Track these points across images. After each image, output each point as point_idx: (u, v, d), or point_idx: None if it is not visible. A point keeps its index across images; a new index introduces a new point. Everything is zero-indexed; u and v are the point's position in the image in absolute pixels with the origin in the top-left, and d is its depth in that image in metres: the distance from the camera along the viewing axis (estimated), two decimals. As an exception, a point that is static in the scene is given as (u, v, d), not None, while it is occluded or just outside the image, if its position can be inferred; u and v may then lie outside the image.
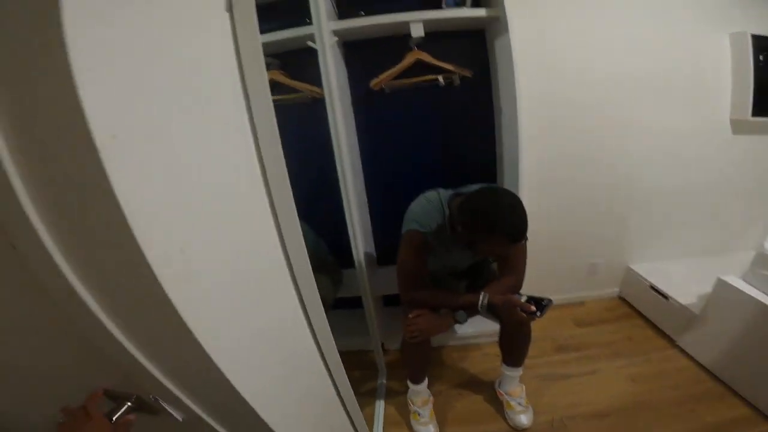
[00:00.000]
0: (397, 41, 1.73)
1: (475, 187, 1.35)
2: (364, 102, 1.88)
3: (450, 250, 1.43)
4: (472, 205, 1.19)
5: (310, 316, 1.00)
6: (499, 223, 1.11)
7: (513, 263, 1.40)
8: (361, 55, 1.81)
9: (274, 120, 0.78)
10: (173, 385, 0.69)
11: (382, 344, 1.99)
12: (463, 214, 1.22)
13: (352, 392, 1.23)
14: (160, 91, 0.51)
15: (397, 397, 1.80)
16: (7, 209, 0.43)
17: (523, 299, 1.28)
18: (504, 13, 1.57)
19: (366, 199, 2.06)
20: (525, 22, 1.71)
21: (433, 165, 2.02)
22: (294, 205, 0.85)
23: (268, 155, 0.79)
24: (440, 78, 1.76)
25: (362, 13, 1.66)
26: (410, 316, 1.35)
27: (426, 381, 1.65)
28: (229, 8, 0.74)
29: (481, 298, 1.31)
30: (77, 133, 0.36)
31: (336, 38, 1.56)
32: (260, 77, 0.76)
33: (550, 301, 1.26)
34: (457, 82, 1.81)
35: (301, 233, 0.88)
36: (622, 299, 2.37)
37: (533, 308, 1.24)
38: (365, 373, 1.97)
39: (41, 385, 0.86)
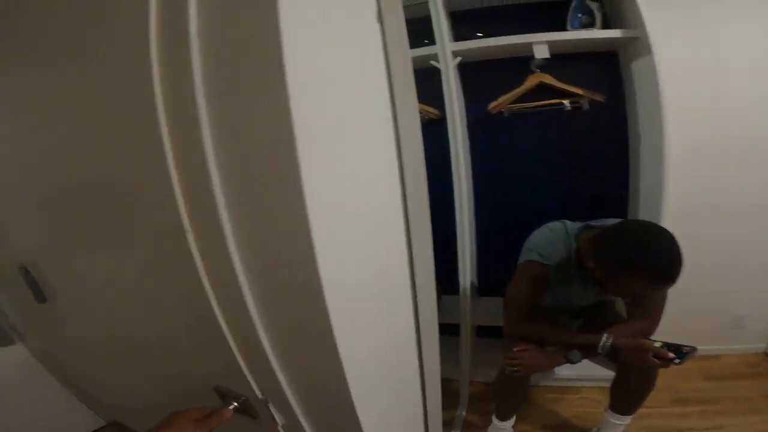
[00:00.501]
0: (516, 63, 1.66)
1: (612, 221, 1.23)
2: (480, 125, 1.83)
3: (571, 285, 1.31)
4: (614, 238, 1.09)
5: (422, 333, 0.96)
6: (650, 260, 1.00)
7: (649, 306, 1.25)
8: (478, 76, 1.77)
9: (420, 137, 0.76)
10: (290, 388, 0.69)
11: (468, 375, 1.86)
12: (600, 249, 1.13)
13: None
14: (339, 94, 0.52)
15: (474, 431, 1.71)
16: (200, 191, 0.46)
17: (657, 344, 1.16)
18: (645, 33, 1.41)
19: (474, 226, 1.98)
20: (668, 41, 1.52)
21: (553, 194, 1.87)
22: (429, 226, 0.82)
23: (410, 170, 0.77)
24: (566, 102, 1.64)
25: (479, 35, 1.64)
26: (516, 349, 1.26)
27: (513, 419, 1.54)
28: (380, 19, 0.76)
29: (604, 339, 1.19)
30: (280, 118, 0.37)
31: (459, 58, 1.55)
32: (409, 90, 0.76)
33: (693, 348, 1.13)
34: (585, 106, 1.67)
35: (432, 259, 0.84)
36: (771, 357, 1.96)
37: (671, 355, 1.12)
38: (444, 401, 1.86)
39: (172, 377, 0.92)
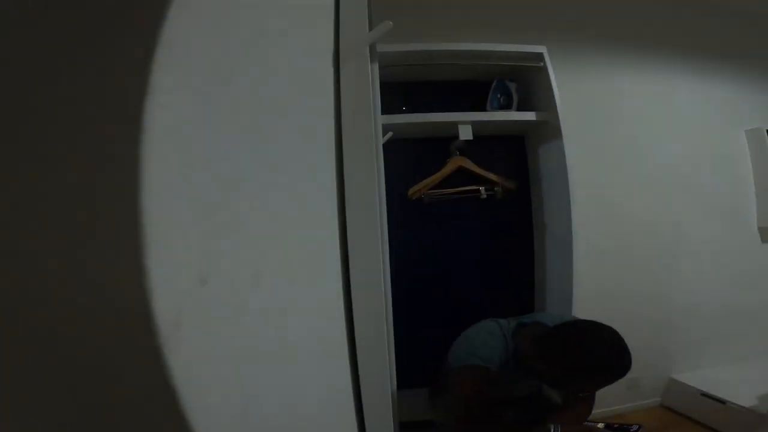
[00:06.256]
0: (436, 144, 1.62)
1: (541, 315, 1.28)
2: (398, 210, 1.56)
3: (510, 381, 1.27)
4: (568, 344, 1.07)
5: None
6: (610, 364, 1.04)
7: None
8: (397, 157, 1.56)
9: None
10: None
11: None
12: (553, 354, 1.09)
13: None
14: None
15: None
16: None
17: (600, 425, 1.21)
18: (557, 118, 1.48)
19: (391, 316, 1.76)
20: (575, 124, 1.61)
21: (470, 284, 1.75)
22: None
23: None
24: (482, 189, 1.63)
25: (404, 108, 1.55)
26: None
27: None
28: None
29: (551, 430, 1.18)
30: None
31: (391, 133, 1.41)
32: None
33: (639, 427, 1.18)
34: (500, 194, 1.65)
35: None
36: (666, 407, 2.19)
37: None
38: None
39: None
